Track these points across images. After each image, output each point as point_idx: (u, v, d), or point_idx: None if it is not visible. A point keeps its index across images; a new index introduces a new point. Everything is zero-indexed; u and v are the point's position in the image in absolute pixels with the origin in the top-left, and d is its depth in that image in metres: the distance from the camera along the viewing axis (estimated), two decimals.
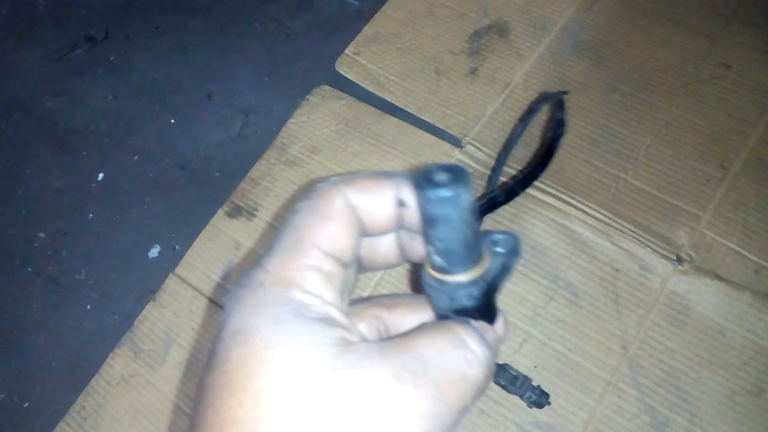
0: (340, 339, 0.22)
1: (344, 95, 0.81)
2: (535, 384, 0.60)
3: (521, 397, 0.59)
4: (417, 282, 0.28)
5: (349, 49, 0.84)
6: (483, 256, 0.26)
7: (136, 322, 0.72)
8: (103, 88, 0.91)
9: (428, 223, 0.24)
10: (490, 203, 0.57)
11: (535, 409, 0.61)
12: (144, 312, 0.72)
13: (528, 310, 0.66)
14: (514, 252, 0.27)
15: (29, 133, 0.89)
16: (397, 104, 0.79)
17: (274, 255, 0.24)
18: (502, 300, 0.66)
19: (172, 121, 0.87)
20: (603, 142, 0.73)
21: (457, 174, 0.23)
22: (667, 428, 0.59)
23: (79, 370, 0.72)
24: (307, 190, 0.47)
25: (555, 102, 0.64)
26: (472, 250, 0.25)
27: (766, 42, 0.76)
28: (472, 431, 0.62)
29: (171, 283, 0.73)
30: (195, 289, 0.72)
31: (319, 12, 0.93)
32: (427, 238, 0.25)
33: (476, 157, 0.74)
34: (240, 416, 0.21)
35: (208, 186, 0.82)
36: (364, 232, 0.26)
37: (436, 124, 0.77)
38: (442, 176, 0.23)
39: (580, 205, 0.69)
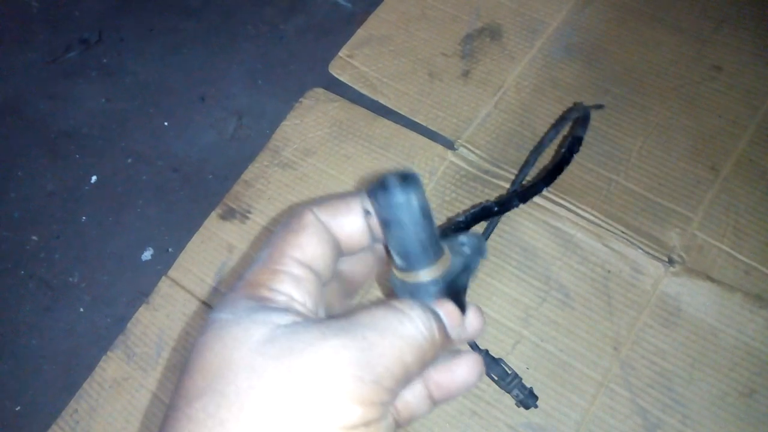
0: (292, 322, 0.24)
1: (337, 97, 0.81)
2: (528, 385, 0.61)
3: (509, 393, 0.60)
4: (386, 284, 0.30)
5: (343, 52, 0.84)
6: (442, 256, 0.27)
7: (128, 325, 0.72)
8: (96, 91, 0.91)
9: (385, 226, 0.26)
10: (482, 211, 0.57)
11: (527, 411, 0.61)
12: (137, 315, 0.72)
13: (520, 311, 0.66)
14: (477, 252, 0.29)
15: (22, 135, 0.89)
16: (390, 106, 0.79)
17: (251, 267, 0.26)
18: (494, 302, 0.66)
19: (166, 123, 0.87)
20: (595, 143, 0.73)
21: (406, 179, 0.25)
22: (659, 429, 0.60)
23: (72, 373, 0.72)
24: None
25: (580, 118, 0.64)
26: (428, 249, 0.26)
27: (757, 44, 0.77)
28: None
29: (164, 285, 0.73)
30: (188, 291, 0.72)
31: (312, 14, 0.93)
32: (387, 241, 0.27)
33: (469, 159, 0.74)
34: (187, 385, 0.23)
35: (201, 188, 0.81)
36: (340, 249, 0.28)
37: (429, 127, 0.77)
38: (392, 181, 0.25)
39: (572, 207, 0.69)
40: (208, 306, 0.71)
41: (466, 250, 0.29)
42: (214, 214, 0.76)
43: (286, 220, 0.28)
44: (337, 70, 0.83)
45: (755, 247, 0.66)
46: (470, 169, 0.74)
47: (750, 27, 0.78)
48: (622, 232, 0.68)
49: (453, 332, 0.27)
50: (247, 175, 0.78)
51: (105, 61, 0.93)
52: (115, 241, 0.80)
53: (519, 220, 0.70)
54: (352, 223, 0.28)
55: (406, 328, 0.24)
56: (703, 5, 0.80)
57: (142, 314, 0.72)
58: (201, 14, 0.96)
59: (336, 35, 0.87)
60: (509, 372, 0.61)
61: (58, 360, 0.74)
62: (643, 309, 0.64)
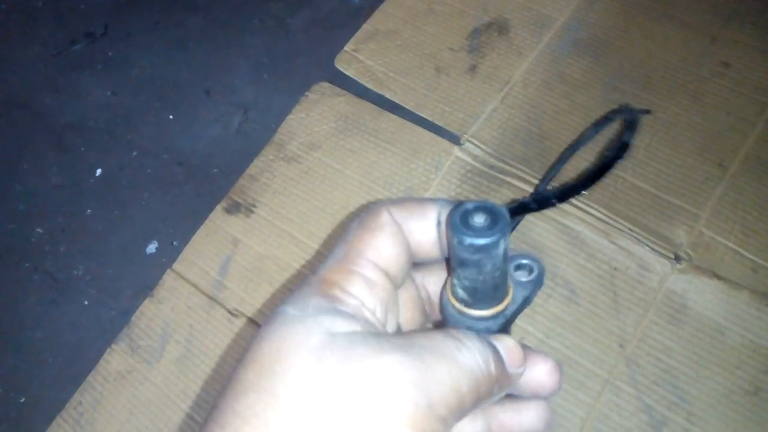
0: (353, 331, 0.23)
1: (343, 92, 0.81)
2: None
3: None
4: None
5: (349, 46, 0.84)
6: (508, 294, 0.25)
7: (133, 318, 0.72)
8: (101, 84, 0.91)
9: (458, 261, 0.24)
10: (519, 207, 0.56)
11: None
12: (141, 308, 0.72)
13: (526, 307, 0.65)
14: (537, 283, 0.27)
15: (28, 128, 0.89)
16: (396, 101, 0.79)
17: (326, 264, 0.25)
18: None
19: (171, 117, 0.87)
20: (601, 140, 0.72)
21: (495, 219, 0.22)
22: (665, 427, 0.59)
23: (76, 366, 0.72)
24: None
25: (628, 121, 0.63)
26: (498, 290, 0.25)
27: (766, 40, 0.76)
28: None
29: (168, 279, 0.73)
30: (192, 285, 0.72)
31: (319, 9, 0.93)
32: (455, 272, 0.24)
33: (475, 155, 0.74)
34: (240, 376, 0.22)
35: (207, 182, 0.81)
36: (411, 253, 0.27)
37: (435, 121, 0.77)
38: (479, 220, 0.23)
39: (579, 204, 0.69)
40: (212, 299, 0.71)
41: (524, 278, 0.27)
42: (219, 208, 0.76)
43: (361, 217, 0.26)
44: (342, 64, 0.83)
45: (762, 244, 0.66)
46: (476, 164, 0.73)
47: (759, 23, 0.77)
48: (629, 229, 0.67)
49: (511, 369, 0.25)
50: (252, 169, 0.78)
51: (111, 54, 0.93)
52: (120, 234, 0.80)
53: (526, 216, 0.69)
54: (425, 230, 0.26)
55: (464, 357, 0.23)
56: (712, 1, 0.80)
57: (147, 307, 0.72)
58: (207, 8, 0.95)
59: (342, 30, 0.87)
60: None
61: (63, 352, 0.74)
62: (649, 306, 0.64)
